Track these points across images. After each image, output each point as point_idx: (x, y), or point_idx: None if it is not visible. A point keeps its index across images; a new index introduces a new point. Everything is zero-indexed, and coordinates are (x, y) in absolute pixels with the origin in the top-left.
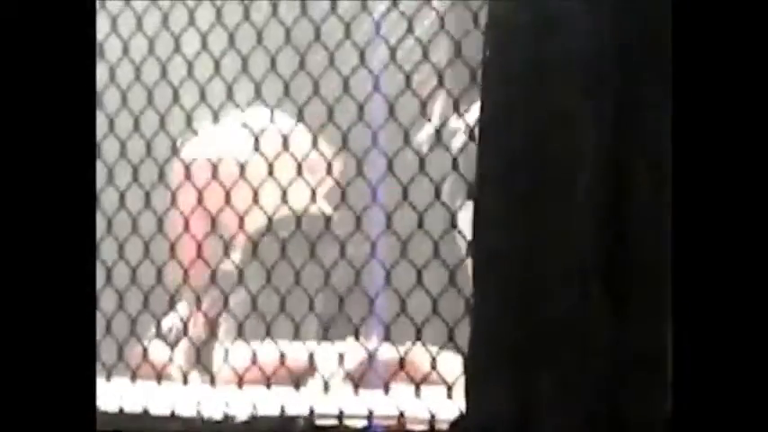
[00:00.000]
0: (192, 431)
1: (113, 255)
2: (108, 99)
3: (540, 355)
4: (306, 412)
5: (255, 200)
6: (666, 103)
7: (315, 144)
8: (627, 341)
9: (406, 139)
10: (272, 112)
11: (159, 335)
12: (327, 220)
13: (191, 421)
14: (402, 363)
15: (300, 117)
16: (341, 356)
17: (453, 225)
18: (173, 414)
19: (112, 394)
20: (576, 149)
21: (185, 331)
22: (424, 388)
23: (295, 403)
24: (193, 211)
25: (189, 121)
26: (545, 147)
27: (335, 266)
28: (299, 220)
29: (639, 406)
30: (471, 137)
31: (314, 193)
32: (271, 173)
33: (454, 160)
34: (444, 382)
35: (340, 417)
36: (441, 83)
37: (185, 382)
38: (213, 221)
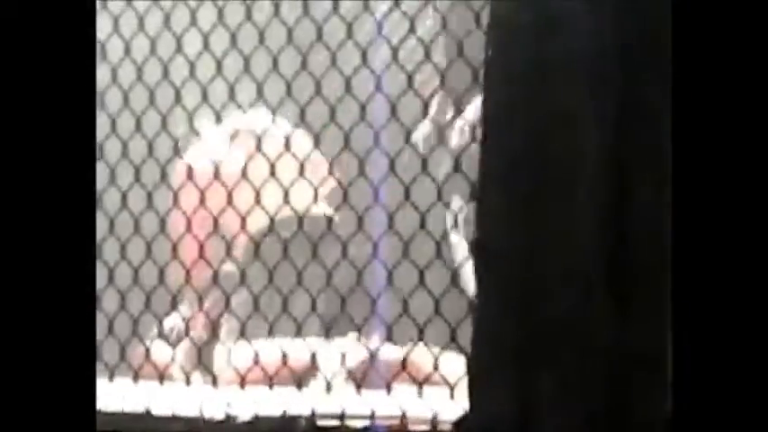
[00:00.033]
0: (193, 431)
1: (116, 255)
2: (110, 99)
3: (542, 355)
4: (308, 412)
5: (257, 200)
6: (667, 102)
7: (317, 144)
8: (629, 341)
9: (408, 140)
10: (273, 113)
11: (161, 335)
12: (329, 221)
13: (193, 421)
14: (404, 363)
15: (302, 117)
16: (342, 355)
17: (455, 227)
18: (174, 414)
19: (115, 394)
20: (577, 149)
21: (187, 331)
22: (426, 388)
23: (297, 403)
24: (195, 212)
25: (191, 121)
26: (547, 146)
27: (337, 267)
28: (300, 220)
29: (641, 406)
30: (473, 137)
31: (316, 193)
32: (273, 173)
33: (456, 160)
34: (447, 382)
35: (342, 417)
36: (443, 83)
37: (187, 382)
38: (215, 222)
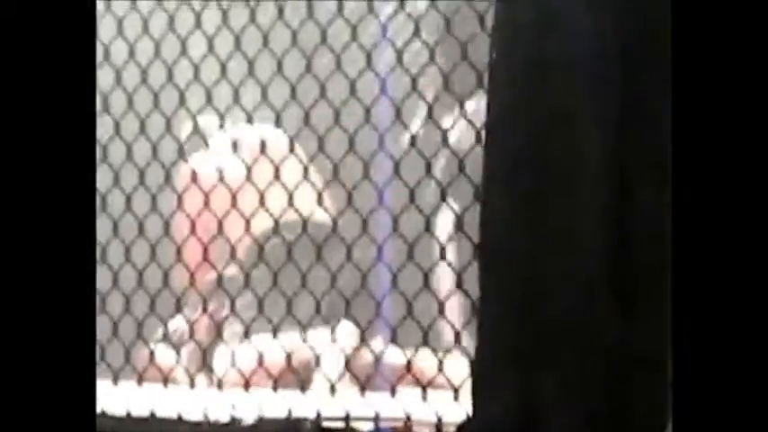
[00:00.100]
0: None
1: (120, 258)
2: (114, 102)
3: (545, 356)
4: (312, 415)
5: (262, 203)
6: (667, 102)
7: (321, 148)
8: (631, 341)
9: (413, 142)
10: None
11: (166, 338)
12: (334, 223)
13: (197, 424)
14: (409, 366)
15: (306, 120)
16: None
17: (460, 228)
18: (179, 417)
19: (119, 398)
20: (578, 149)
21: (191, 334)
22: (430, 391)
23: (302, 405)
24: (200, 215)
25: (195, 123)
26: (549, 147)
27: (342, 270)
28: (304, 224)
29: (642, 406)
30: (478, 138)
31: (320, 196)
32: (277, 177)
33: (460, 162)
34: (451, 385)
35: (347, 419)
36: (447, 85)
37: (192, 385)
38: (220, 225)
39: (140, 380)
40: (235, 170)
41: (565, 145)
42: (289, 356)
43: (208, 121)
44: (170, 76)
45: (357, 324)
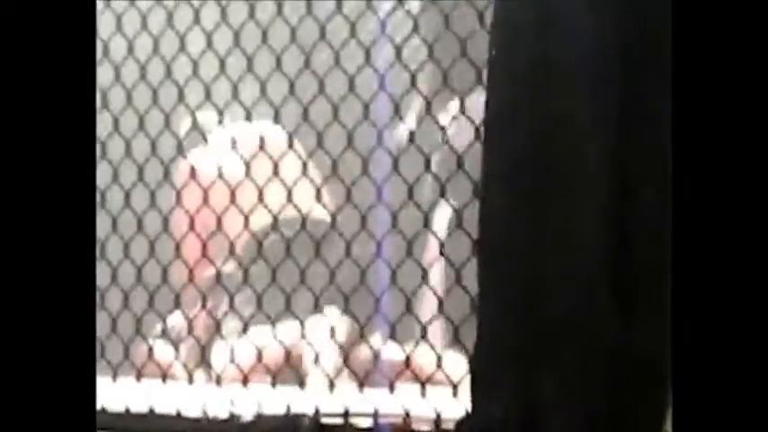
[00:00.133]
0: (197, 430)
1: (119, 254)
2: (113, 98)
3: (545, 355)
4: (311, 411)
5: (260, 199)
6: (667, 102)
7: (320, 144)
8: (631, 341)
9: (411, 138)
10: (276, 111)
11: (165, 334)
12: (332, 219)
13: (196, 420)
14: (407, 362)
15: (305, 116)
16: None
17: (459, 225)
18: (178, 413)
19: (118, 394)
20: (579, 149)
21: (190, 330)
22: (429, 387)
23: (300, 402)
24: (198, 211)
25: (194, 119)
26: (549, 146)
27: (341, 266)
28: (303, 220)
29: (642, 406)
30: (476, 135)
31: (319, 192)
32: (276, 173)
33: (459, 158)
34: (450, 381)
35: (345, 415)
36: (446, 82)
37: (190, 380)
38: (218, 221)
39: (139, 376)
40: (233, 166)
41: (565, 145)
42: (287, 352)
43: (207, 117)
44: (169, 73)
45: (356, 320)
